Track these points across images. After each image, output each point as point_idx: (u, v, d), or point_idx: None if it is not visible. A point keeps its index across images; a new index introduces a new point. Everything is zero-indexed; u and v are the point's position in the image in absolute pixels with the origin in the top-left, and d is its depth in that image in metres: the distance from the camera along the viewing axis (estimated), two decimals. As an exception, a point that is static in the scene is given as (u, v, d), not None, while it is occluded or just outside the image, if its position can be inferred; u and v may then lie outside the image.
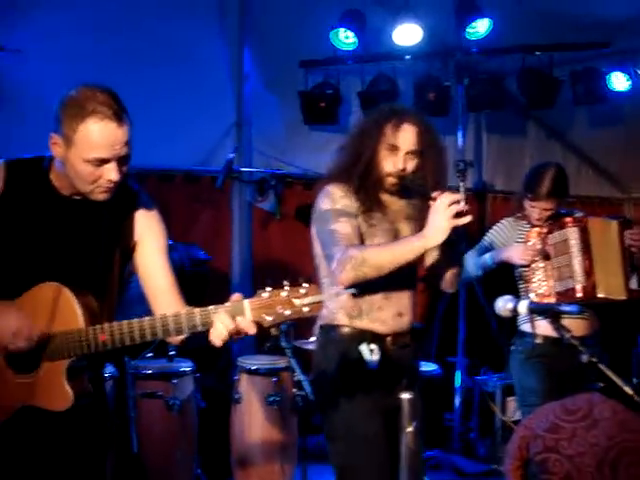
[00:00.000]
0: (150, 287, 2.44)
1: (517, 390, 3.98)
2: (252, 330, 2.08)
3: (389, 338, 2.89)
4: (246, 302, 2.05)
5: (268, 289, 2.03)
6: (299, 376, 4.14)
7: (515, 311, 2.76)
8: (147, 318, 2.19)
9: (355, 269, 2.64)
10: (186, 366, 4.31)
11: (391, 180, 2.86)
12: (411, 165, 2.85)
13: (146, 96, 5.47)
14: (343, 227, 2.77)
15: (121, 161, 2.20)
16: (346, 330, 2.89)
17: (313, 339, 4.48)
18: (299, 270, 6.19)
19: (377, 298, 2.87)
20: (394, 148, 2.83)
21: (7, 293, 2.29)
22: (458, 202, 2.59)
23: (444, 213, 2.57)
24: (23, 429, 2.28)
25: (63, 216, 2.32)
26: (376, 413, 2.81)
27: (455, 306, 5.98)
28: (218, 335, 2.11)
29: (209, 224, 5.87)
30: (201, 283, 5.14)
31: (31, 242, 2.30)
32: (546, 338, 3.72)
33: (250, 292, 6.04)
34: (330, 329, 2.92)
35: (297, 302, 2.01)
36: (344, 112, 6.04)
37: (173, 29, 5.62)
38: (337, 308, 2.87)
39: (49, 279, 2.26)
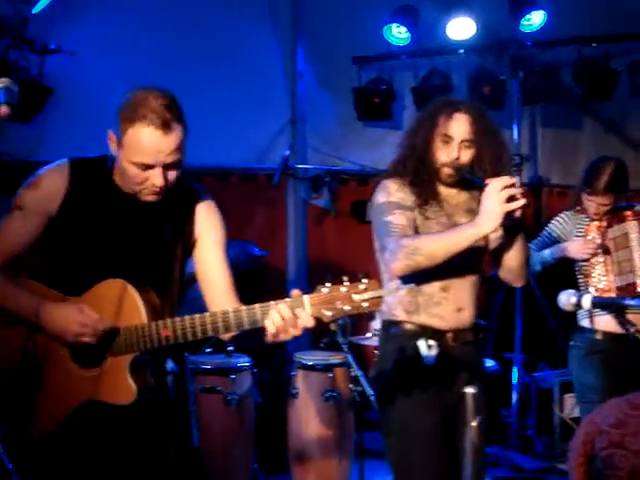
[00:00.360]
0: (207, 285, 2.46)
1: (576, 387, 3.93)
2: (310, 323, 2.07)
3: (450, 334, 2.85)
4: (306, 297, 2.06)
5: (327, 285, 2.04)
6: (355, 372, 4.17)
7: (578, 305, 2.71)
8: (208, 313, 2.20)
9: (407, 258, 2.61)
10: (244, 361, 4.34)
11: (446, 171, 2.83)
12: (466, 155, 2.81)
13: (201, 96, 5.53)
14: (397, 219, 2.75)
15: (168, 167, 2.22)
16: (405, 326, 2.87)
17: (369, 335, 4.55)
18: (354, 266, 6.17)
19: (435, 292, 2.84)
20: (447, 138, 2.80)
21: (72, 289, 2.34)
22: (511, 186, 2.53)
23: (496, 197, 2.51)
24: (87, 423, 2.31)
25: (126, 213, 2.36)
26: (433, 409, 2.79)
27: (512, 301, 5.93)
28: (271, 328, 2.09)
29: (265, 222, 5.92)
30: (256, 279, 5.18)
31: (95, 239, 2.35)
32: (606, 334, 3.67)
33: (305, 288, 6.08)
34: (390, 325, 2.92)
35: (357, 297, 2.00)
36: (398, 108, 6.04)
37: (226, 29, 5.70)
38: (395, 304, 2.86)
39: (113, 275, 2.29)
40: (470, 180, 2.81)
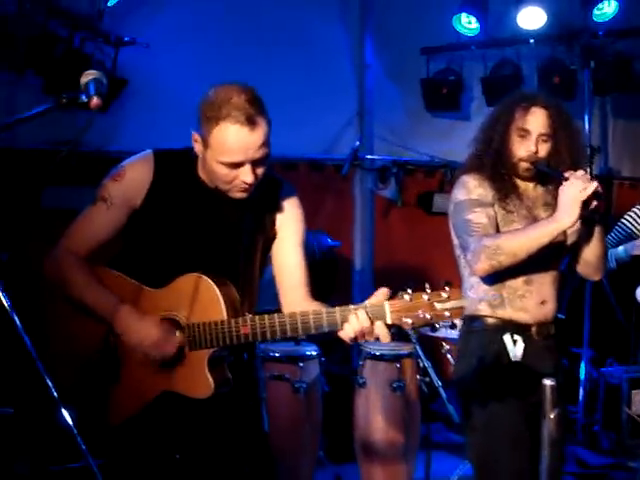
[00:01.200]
0: (282, 278, 2.47)
1: None
2: (386, 339, 2.08)
3: (534, 328, 2.84)
4: (387, 304, 2.05)
5: (409, 291, 2.02)
6: (424, 362, 4.16)
7: None
8: (287, 314, 2.21)
9: (490, 258, 2.63)
10: (312, 350, 4.39)
11: (524, 165, 2.82)
12: (544, 149, 2.80)
13: (270, 87, 5.50)
14: (478, 217, 2.75)
15: (256, 163, 2.21)
16: (489, 321, 2.85)
17: (436, 327, 4.54)
18: (420, 257, 6.24)
19: (519, 285, 2.82)
20: (525, 132, 2.80)
21: (152, 281, 2.35)
22: (588, 179, 2.54)
23: (574, 191, 2.52)
24: (164, 413, 2.35)
25: (209, 207, 2.37)
26: (518, 406, 2.77)
27: (580, 296, 5.86)
28: (349, 332, 2.11)
29: (332, 212, 5.94)
30: (330, 269, 5.21)
31: (178, 231, 2.36)
32: None
33: (371, 278, 6.09)
34: (473, 320, 2.89)
35: (439, 306, 1.98)
36: (466, 98, 6.02)
37: (295, 20, 5.74)
38: (479, 297, 2.85)
39: (194, 269, 2.29)
40: (547, 174, 2.81)
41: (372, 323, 2.07)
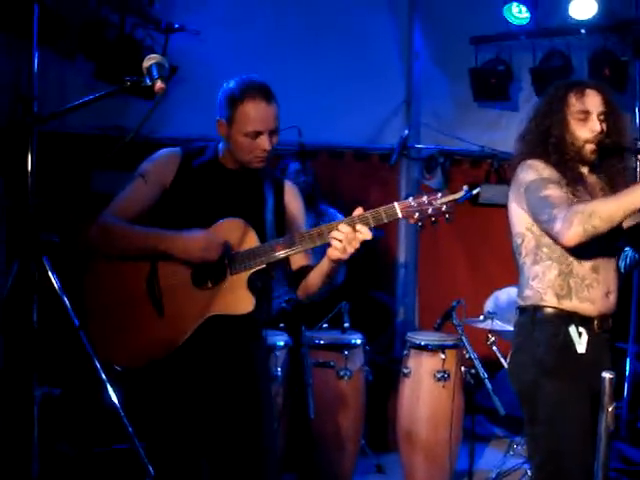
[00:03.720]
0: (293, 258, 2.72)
1: None
2: (368, 235, 2.41)
3: (596, 321, 2.79)
4: (396, 204, 2.44)
5: (411, 197, 2.44)
6: (470, 354, 4.15)
7: None
8: (310, 230, 2.58)
9: (584, 223, 2.55)
10: (357, 338, 4.40)
11: (590, 147, 2.81)
12: (604, 128, 2.80)
13: (317, 75, 5.60)
14: (556, 192, 2.71)
15: (271, 133, 2.64)
16: (554, 312, 2.79)
17: (482, 318, 4.52)
18: (465, 249, 6.21)
19: (587, 273, 2.77)
20: (585, 113, 2.80)
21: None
22: None
23: None
24: (208, 338, 2.62)
25: (231, 186, 2.75)
26: (584, 399, 2.72)
27: (626, 290, 5.77)
28: (336, 244, 2.42)
29: (377, 201, 5.74)
30: (371, 259, 5.23)
31: (204, 208, 2.68)
32: None
33: (414, 270, 6.05)
34: (537, 310, 2.82)
35: (436, 202, 2.41)
36: (515, 89, 5.94)
37: (343, 9, 5.73)
38: (545, 287, 2.79)
39: None
40: (618, 150, 2.80)
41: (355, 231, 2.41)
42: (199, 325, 2.59)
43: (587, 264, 2.77)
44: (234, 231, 2.62)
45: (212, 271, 2.60)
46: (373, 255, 5.32)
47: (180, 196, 2.71)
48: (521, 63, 5.89)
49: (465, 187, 2.44)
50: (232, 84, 2.67)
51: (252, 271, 2.58)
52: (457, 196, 2.42)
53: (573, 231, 2.57)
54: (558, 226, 2.62)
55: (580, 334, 2.71)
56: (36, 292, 2.71)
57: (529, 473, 4.37)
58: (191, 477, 2.69)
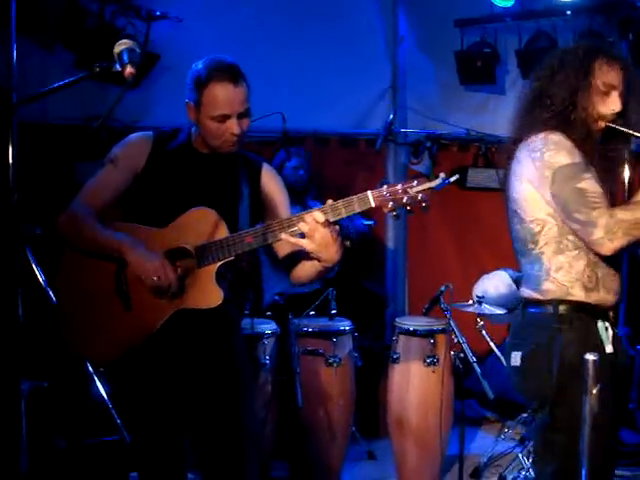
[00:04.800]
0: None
1: None
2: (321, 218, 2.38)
3: (611, 312, 2.58)
4: (369, 193, 2.38)
5: (385, 185, 2.38)
6: (458, 338, 4.14)
7: None
8: (280, 219, 2.55)
9: (628, 234, 2.39)
10: (345, 325, 4.38)
11: (601, 125, 2.56)
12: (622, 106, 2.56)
13: (301, 61, 5.55)
14: (592, 185, 2.46)
15: (241, 116, 2.58)
16: (583, 306, 2.54)
17: (470, 302, 4.50)
18: (454, 233, 6.18)
19: (612, 260, 2.52)
20: (610, 87, 2.54)
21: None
22: None
23: None
24: (176, 333, 2.59)
25: (204, 168, 2.69)
26: (611, 403, 2.47)
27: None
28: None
29: (364, 187, 5.77)
30: (367, 250, 5.22)
31: (176, 193, 2.64)
32: None
33: (404, 255, 6.02)
34: (562, 305, 2.55)
35: (411, 190, 2.34)
36: (501, 72, 5.89)
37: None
38: (572, 280, 2.54)
39: None
40: (626, 134, 2.57)
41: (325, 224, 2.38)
42: (168, 319, 2.55)
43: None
44: (203, 221, 2.56)
45: (180, 264, 2.56)
46: (363, 243, 5.29)
47: (152, 181, 2.66)
48: (507, 45, 5.84)
49: (442, 174, 2.33)
50: (200, 65, 2.63)
51: (220, 263, 2.54)
52: (433, 184, 2.33)
53: (617, 244, 2.41)
54: (599, 234, 2.42)
55: (607, 329, 2.51)
56: (20, 286, 2.68)
57: (520, 456, 4.38)
58: (174, 459, 2.70)
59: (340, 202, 2.39)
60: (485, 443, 4.97)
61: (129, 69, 1.98)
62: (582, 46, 2.63)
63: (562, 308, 2.55)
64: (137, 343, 2.56)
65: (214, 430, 2.65)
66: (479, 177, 5.91)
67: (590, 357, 1.99)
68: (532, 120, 2.61)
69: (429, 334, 4.32)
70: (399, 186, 2.36)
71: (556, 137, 2.51)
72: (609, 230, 2.40)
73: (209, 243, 2.54)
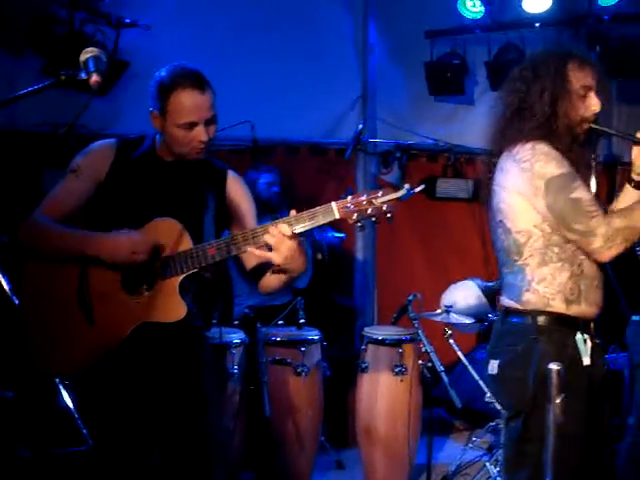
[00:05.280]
0: None
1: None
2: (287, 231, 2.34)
3: (592, 324, 2.57)
4: (333, 204, 2.33)
5: (350, 196, 2.33)
6: (426, 347, 4.15)
7: None
8: (244, 230, 2.50)
9: (625, 241, 2.43)
10: (314, 334, 4.37)
11: (585, 127, 2.57)
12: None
13: (272, 70, 5.56)
14: (584, 193, 2.47)
15: (208, 123, 2.55)
16: (562, 318, 2.53)
17: (439, 311, 4.52)
18: (423, 243, 6.21)
19: (595, 273, 2.55)
20: (586, 89, 2.55)
21: None
22: None
23: None
24: (140, 346, 2.54)
25: (167, 177, 2.65)
26: (584, 415, 2.49)
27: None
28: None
29: (334, 196, 5.76)
30: (337, 263, 5.23)
31: (140, 202, 2.60)
32: None
33: (373, 265, 6.04)
34: (541, 316, 2.54)
35: (376, 201, 2.30)
36: (470, 83, 5.97)
37: (299, 3, 5.68)
38: (554, 292, 2.53)
39: None
40: (610, 135, 2.65)
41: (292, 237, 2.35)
42: (133, 331, 2.50)
43: (596, 262, 2.56)
44: (167, 232, 2.52)
45: (142, 276, 2.51)
46: (334, 256, 5.30)
47: (115, 190, 2.62)
48: (476, 57, 5.91)
49: (406, 185, 2.30)
50: (163, 73, 2.58)
51: (184, 276, 2.49)
52: (398, 195, 2.29)
53: (615, 251, 2.44)
54: (599, 243, 2.44)
55: (585, 341, 2.49)
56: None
57: (487, 465, 4.40)
58: (143, 471, 2.65)
59: (305, 213, 2.35)
60: (453, 452, 4.98)
61: (95, 77, 1.97)
62: (552, 54, 2.63)
63: (541, 319, 2.54)
64: (100, 356, 2.51)
65: (180, 441, 2.62)
66: (448, 187, 5.97)
67: (554, 367, 2.01)
68: (514, 132, 2.60)
69: (397, 343, 4.33)
70: (363, 197, 2.31)
71: (544, 147, 2.52)
72: (608, 238, 2.43)
73: (172, 255, 2.49)
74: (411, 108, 6.02)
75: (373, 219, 2.31)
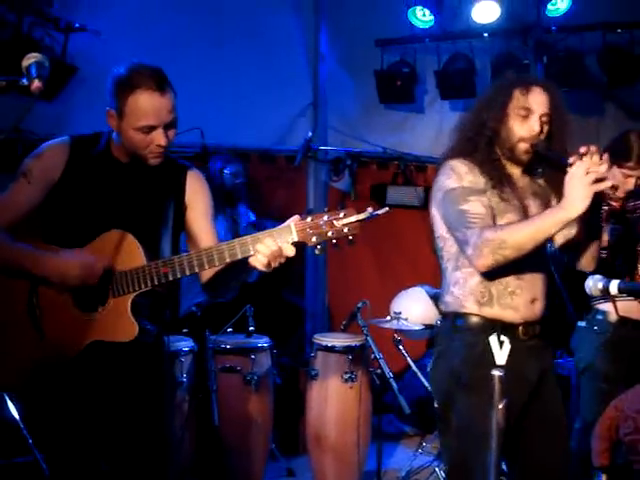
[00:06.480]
0: (195, 245, 2.62)
1: (588, 372, 3.83)
2: (292, 253, 2.25)
3: (521, 328, 2.67)
4: (292, 224, 2.23)
5: (310, 215, 2.24)
6: (375, 354, 4.17)
7: (606, 291, 2.61)
8: (202, 248, 2.38)
9: (494, 253, 2.49)
10: (264, 342, 4.36)
11: (523, 147, 2.66)
12: (544, 130, 2.67)
13: (222, 77, 5.55)
14: (474, 207, 2.59)
15: (167, 127, 2.44)
16: (474, 319, 2.67)
17: (388, 318, 4.54)
18: (373, 249, 6.24)
19: (510, 281, 2.66)
20: (527, 111, 2.65)
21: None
22: (597, 162, 2.38)
23: (583, 179, 2.35)
24: (92, 363, 2.47)
25: (123, 180, 2.55)
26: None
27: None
28: (261, 258, 2.25)
29: (284, 204, 5.89)
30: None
31: (94, 204, 2.51)
32: (625, 320, 3.58)
33: (324, 271, 6.03)
34: (457, 317, 2.71)
35: (337, 223, 2.20)
36: (420, 91, 6.02)
37: (249, 11, 5.68)
38: (466, 295, 2.68)
39: None
40: (547, 158, 2.67)
41: (278, 247, 2.25)
42: (82, 349, 2.44)
43: (511, 271, 2.64)
44: (121, 246, 2.41)
45: (93, 293, 2.43)
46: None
47: (69, 192, 2.51)
48: (426, 66, 5.97)
49: (369, 208, 2.22)
50: (122, 70, 2.44)
51: (136, 294, 2.40)
52: (360, 217, 2.20)
53: (483, 261, 2.51)
54: (470, 251, 2.55)
55: (502, 343, 2.46)
56: None
57: (437, 471, 4.43)
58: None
59: (264, 233, 2.26)
60: (404, 458, 5.01)
61: (36, 83, 1.95)
62: (509, 77, 2.78)
63: (457, 320, 2.72)
64: (48, 371, 2.45)
65: (128, 452, 2.57)
66: (398, 194, 6.01)
67: (496, 373, 2.03)
68: (450, 146, 2.79)
69: (347, 350, 4.35)
70: (324, 218, 2.21)
71: (453, 163, 2.69)
72: (476, 248, 2.52)
73: (125, 271, 2.40)
74: (361, 116, 6.07)
75: (334, 241, 2.22)
